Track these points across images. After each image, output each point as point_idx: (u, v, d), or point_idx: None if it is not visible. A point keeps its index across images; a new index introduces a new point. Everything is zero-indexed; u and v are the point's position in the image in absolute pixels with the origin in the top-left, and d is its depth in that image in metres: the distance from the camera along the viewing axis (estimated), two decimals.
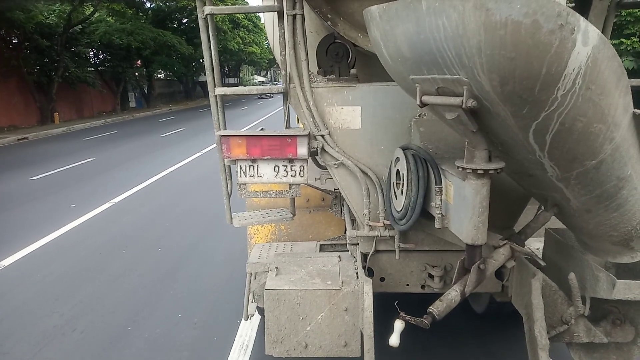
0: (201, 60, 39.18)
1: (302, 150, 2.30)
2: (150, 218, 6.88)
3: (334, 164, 2.39)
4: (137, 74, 30.65)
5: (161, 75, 40.16)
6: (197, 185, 8.96)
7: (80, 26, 24.11)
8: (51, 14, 22.14)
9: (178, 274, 4.78)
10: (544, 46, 1.15)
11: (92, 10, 24.56)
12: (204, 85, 46.17)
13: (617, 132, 1.44)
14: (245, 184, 2.43)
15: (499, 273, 2.49)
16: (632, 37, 11.59)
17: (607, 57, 1.23)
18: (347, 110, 2.35)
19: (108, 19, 27.71)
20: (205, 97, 44.86)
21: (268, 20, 3.26)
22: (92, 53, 27.37)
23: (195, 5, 2.19)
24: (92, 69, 26.99)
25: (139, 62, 31.06)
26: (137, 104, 32.71)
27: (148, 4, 31.79)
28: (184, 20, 36.29)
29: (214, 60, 2.28)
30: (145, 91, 33.73)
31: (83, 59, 25.65)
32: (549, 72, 1.19)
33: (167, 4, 31.88)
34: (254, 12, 3.14)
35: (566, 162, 1.52)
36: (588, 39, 1.17)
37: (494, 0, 1.12)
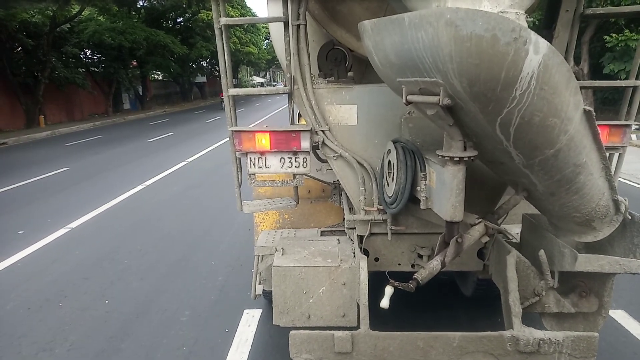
0: (199, 62, 38.70)
1: (305, 144, 2.54)
2: (105, 253, 5.52)
3: (333, 156, 2.62)
4: (130, 74, 29.20)
5: (158, 76, 38.91)
6: (172, 206, 7.60)
7: (68, 25, 22.69)
8: (36, 13, 20.26)
9: (124, 343, 3.56)
10: (502, 55, 1.39)
11: (78, 8, 22.37)
12: (200, 86, 45.26)
13: (570, 125, 1.68)
14: (254, 174, 2.66)
15: (481, 253, 2.78)
16: None
17: (556, 63, 1.49)
18: (345, 109, 2.58)
19: (99, 17, 26.02)
20: (201, 99, 43.70)
21: (274, 30, 3.52)
22: (82, 53, 25.51)
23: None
24: (83, 69, 25.36)
25: (134, 62, 29.89)
26: (131, 106, 31.51)
27: (141, 2, 30.01)
28: (179, 20, 34.78)
29: (227, 65, 2.50)
30: (140, 92, 32.44)
31: (72, 59, 24.03)
32: (508, 75, 1.44)
33: (162, 2, 30.21)
34: (262, 23, 3.39)
35: (529, 151, 1.76)
36: (539, 49, 1.42)
37: (461, 18, 1.37)
